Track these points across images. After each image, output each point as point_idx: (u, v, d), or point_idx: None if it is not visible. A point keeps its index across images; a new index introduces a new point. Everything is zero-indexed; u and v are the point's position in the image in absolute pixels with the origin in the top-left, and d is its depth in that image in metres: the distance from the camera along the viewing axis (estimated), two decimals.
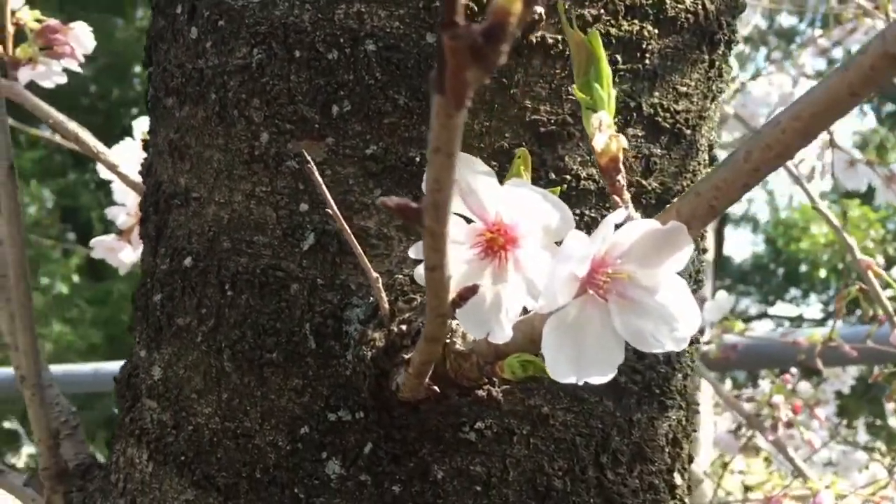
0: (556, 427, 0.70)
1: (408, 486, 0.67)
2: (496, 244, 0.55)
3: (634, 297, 0.53)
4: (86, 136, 1.15)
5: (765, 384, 1.81)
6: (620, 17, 0.69)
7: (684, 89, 0.73)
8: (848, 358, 1.58)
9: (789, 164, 2.13)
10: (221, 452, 0.71)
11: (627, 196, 0.53)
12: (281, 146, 0.69)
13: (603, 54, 0.51)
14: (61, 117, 1.15)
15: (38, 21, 1.17)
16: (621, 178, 0.52)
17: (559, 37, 0.68)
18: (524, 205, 0.54)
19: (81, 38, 1.21)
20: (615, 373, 0.52)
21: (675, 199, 0.52)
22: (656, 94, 0.71)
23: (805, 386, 2.02)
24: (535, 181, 0.62)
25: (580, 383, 0.52)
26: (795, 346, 1.95)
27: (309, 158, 0.59)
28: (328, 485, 0.68)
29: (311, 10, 0.68)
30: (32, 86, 1.18)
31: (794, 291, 12.16)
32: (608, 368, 0.53)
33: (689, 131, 0.74)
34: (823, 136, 2.15)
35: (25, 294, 0.88)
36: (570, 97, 0.68)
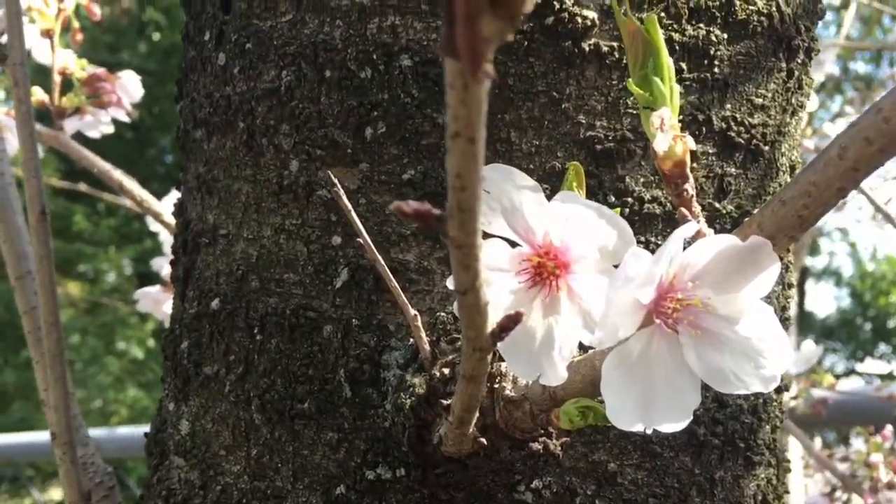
0: (626, 487, 0.61)
1: None
2: (545, 270, 0.47)
3: (711, 327, 0.44)
4: (131, 185, 1.12)
5: (858, 443, 1.67)
6: (684, 21, 0.62)
7: (760, 101, 0.65)
8: None
9: (879, 202, 2.00)
10: None
11: (698, 209, 0.45)
12: (311, 174, 0.63)
13: (662, 43, 0.44)
14: (107, 166, 1.12)
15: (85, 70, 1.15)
16: (689, 188, 0.44)
17: (615, 44, 0.61)
18: (576, 223, 0.46)
19: (129, 87, 1.18)
20: (690, 419, 0.44)
21: (755, 212, 0.44)
22: (728, 106, 0.63)
23: None
24: None
25: (649, 432, 0.44)
26: (892, 400, 1.81)
27: (337, 184, 0.53)
28: None
29: (342, 27, 0.62)
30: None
31: (883, 347, 11.65)
32: (682, 414, 0.44)
33: (767, 148, 0.65)
34: None
35: (57, 345, 0.83)
36: (630, 111, 0.61)
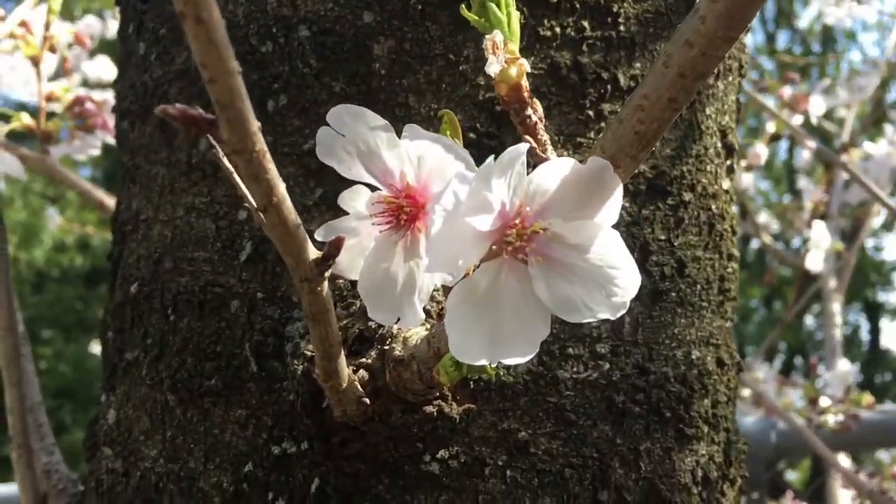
0: (540, 457, 0.58)
1: None
2: (403, 213, 0.46)
3: (561, 257, 0.42)
4: (111, 202, 1.13)
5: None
6: None
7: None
8: None
9: None
10: (167, 500, 0.62)
11: (545, 137, 0.43)
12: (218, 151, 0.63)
13: None
14: (88, 186, 1.14)
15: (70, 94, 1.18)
16: (532, 114, 0.43)
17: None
18: (427, 160, 0.45)
19: None
20: (536, 351, 0.42)
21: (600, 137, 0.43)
22: (637, 65, 0.62)
23: None
24: None
25: (493, 364, 0.42)
26: None
27: (216, 145, 0.53)
28: None
29: (244, 4, 0.63)
30: None
31: None
32: (529, 347, 0.42)
33: (684, 109, 0.63)
34: None
35: (13, 349, 0.84)
36: (532, 71, 0.60)
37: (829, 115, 3.47)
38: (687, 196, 0.64)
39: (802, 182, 3.28)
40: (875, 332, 11.69)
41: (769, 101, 1.39)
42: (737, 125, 0.72)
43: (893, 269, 10.52)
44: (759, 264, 8.59)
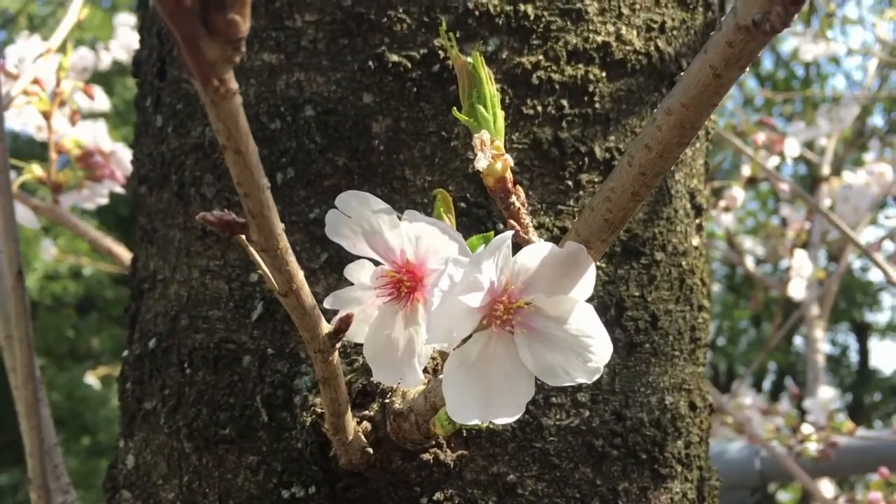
0: (527, 497, 0.64)
1: None
2: (403, 286, 0.52)
3: (541, 328, 0.48)
4: (119, 250, 1.19)
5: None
6: (562, 62, 0.67)
7: (639, 130, 0.69)
8: None
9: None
10: None
11: (527, 220, 0.50)
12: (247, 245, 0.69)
13: (485, 76, 0.50)
14: (97, 234, 1.20)
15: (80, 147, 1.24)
16: (515, 201, 0.49)
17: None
18: (425, 240, 0.51)
19: (122, 160, 1.27)
20: (522, 411, 0.48)
21: (575, 221, 0.49)
22: (612, 137, 0.68)
23: None
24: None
25: (485, 424, 0.48)
26: None
27: (243, 238, 0.59)
28: None
29: (255, 85, 0.69)
30: None
31: None
32: (516, 408, 0.48)
33: None
34: None
35: (33, 395, 0.89)
36: (515, 146, 0.66)
37: (810, 145, 3.56)
38: (659, 255, 0.70)
39: (786, 210, 3.36)
40: (864, 352, 11.76)
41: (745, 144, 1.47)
42: (704, 186, 0.78)
43: (880, 289, 10.61)
44: (747, 286, 8.68)
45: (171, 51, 0.75)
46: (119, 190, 1.28)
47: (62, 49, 1.26)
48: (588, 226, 0.47)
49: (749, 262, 3.38)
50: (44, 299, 8.27)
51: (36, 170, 1.21)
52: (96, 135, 1.23)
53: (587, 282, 0.48)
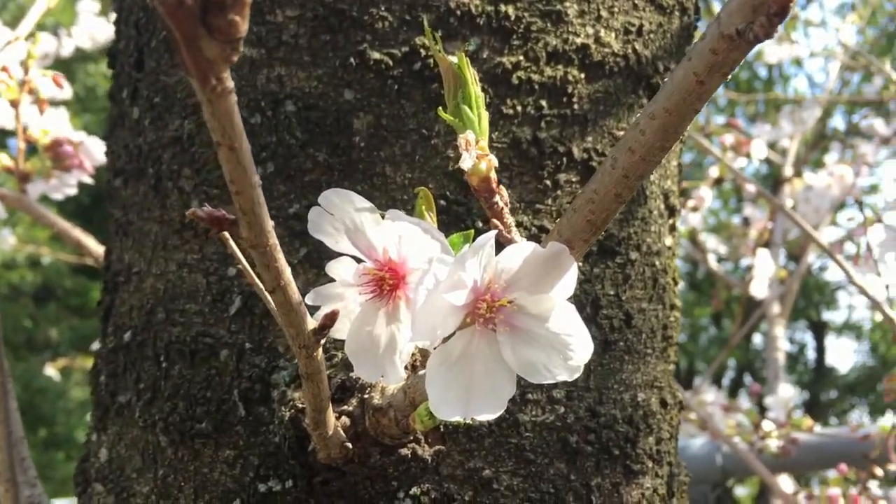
0: (502, 492, 0.65)
1: None
2: (385, 283, 0.53)
3: (523, 326, 0.49)
4: (88, 241, 1.18)
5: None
6: (542, 63, 0.68)
7: (622, 133, 0.71)
8: None
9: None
10: None
11: (510, 220, 0.50)
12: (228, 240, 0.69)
13: (470, 77, 0.50)
14: (66, 225, 1.19)
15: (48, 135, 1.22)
16: (498, 201, 0.50)
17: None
18: (407, 239, 0.51)
19: (91, 151, 1.26)
20: (504, 408, 0.49)
21: (558, 221, 0.50)
22: (589, 138, 0.69)
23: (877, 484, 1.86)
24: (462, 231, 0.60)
25: (468, 420, 0.49)
26: (866, 440, 1.82)
27: (227, 234, 0.59)
28: None
29: (235, 78, 0.69)
30: None
31: None
32: (498, 404, 0.49)
33: None
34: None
35: (1, 386, 0.89)
36: (496, 144, 0.67)
37: (773, 146, 3.61)
38: (633, 255, 0.71)
39: (748, 210, 3.42)
40: (820, 350, 11.97)
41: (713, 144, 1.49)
42: (678, 187, 0.80)
43: (837, 289, 10.79)
44: (708, 284, 8.79)
45: (149, 42, 0.75)
46: (87, 180, 1.27)
47: (31, 37, 1.25)
48: (571, 226, 0.48)
49: (711, 261, 3.42)
50: (0, 288, 8.14)
51: (3, 159, 1.19)
52: (58, 122, 1.22)
53: (569, 281, 0.48)
